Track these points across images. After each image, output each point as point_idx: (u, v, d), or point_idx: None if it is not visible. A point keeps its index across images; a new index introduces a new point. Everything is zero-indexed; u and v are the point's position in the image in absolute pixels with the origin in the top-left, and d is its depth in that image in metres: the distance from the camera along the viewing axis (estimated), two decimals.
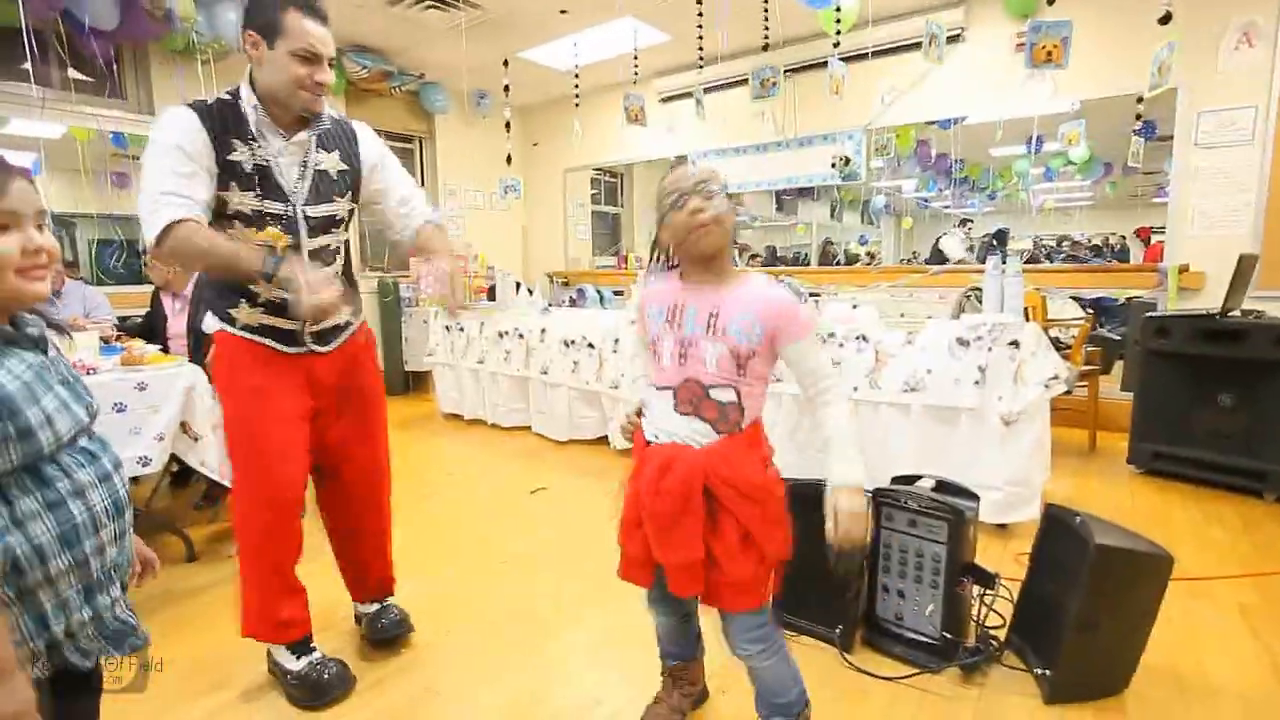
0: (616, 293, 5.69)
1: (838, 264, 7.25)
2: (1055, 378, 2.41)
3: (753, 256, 7.75)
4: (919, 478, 1.83)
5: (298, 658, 1.62)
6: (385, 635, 1.81)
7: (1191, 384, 2.95)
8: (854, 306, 3.11)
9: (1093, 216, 9.62)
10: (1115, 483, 3.04)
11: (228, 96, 1.49)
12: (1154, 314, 3.22)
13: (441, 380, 4.72)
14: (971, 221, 8.51)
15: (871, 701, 1.57)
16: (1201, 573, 2.12)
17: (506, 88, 4.85)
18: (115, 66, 4.09)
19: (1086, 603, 1.50)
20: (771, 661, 1.28)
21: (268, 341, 1.56)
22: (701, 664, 1.54)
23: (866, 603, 1.79)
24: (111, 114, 4.09)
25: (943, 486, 1.77)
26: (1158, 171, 6.24)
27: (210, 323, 1.59)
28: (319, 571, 1.77)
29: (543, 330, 3.96)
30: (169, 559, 2.38)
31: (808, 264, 7.33)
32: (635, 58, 4.57)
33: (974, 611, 1.74)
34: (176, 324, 3.21)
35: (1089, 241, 8.79)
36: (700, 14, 3.78)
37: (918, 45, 3.89)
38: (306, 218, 1.55)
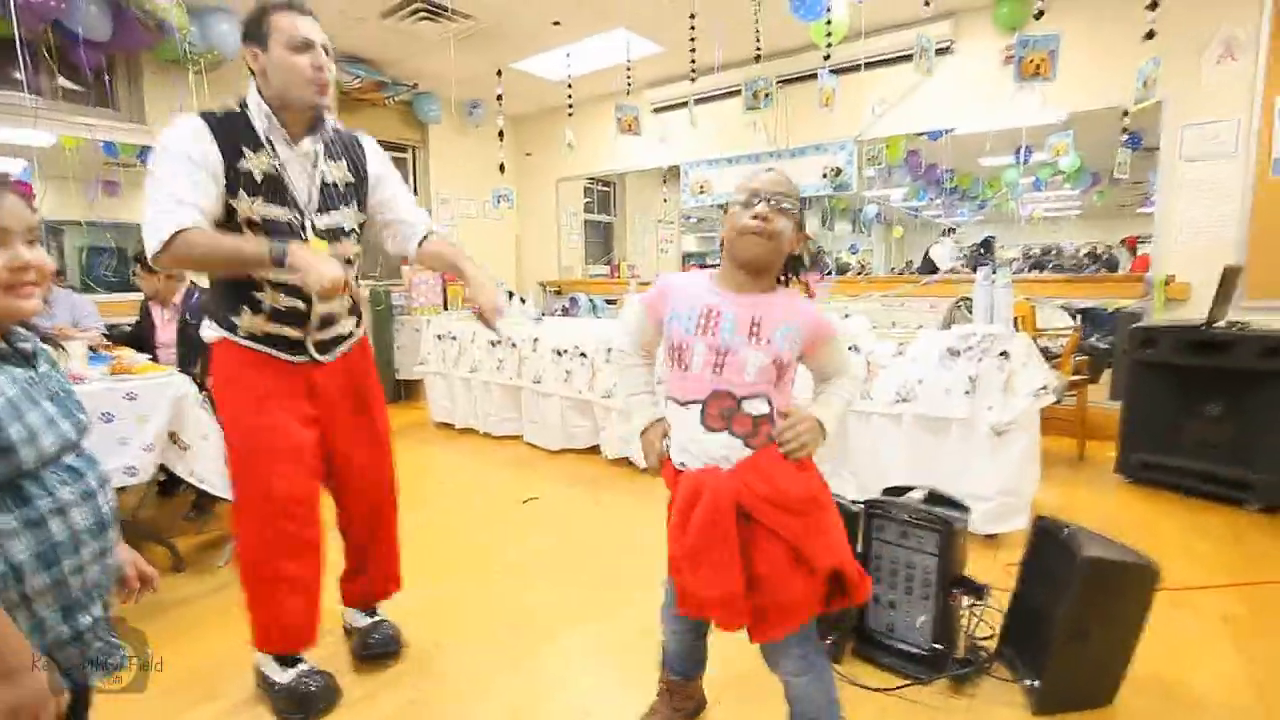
0: (609, 301, 5.71)
1: (829, 274, 7.29)
2: (1044, 388, 2.43)
3: None
4: (910, 489, 1.83)
5: (284, 669, 1.61)
6: (373, 653, 1.80)
7: (1179, 394, 2.97)
8: (845, 316, 3.13)
9: (1081, 226, 9.72)
10: (1104, 492, 3.06)
11: (236, 107, 1.50)
12: (1140, 324, 3.25)
13: (433, 389, 4.71)
14: (954, 230, 8.58)
15: (862, 713, 1.57)
16: (1189, 583, 2.14)
17: (500, 98, 4.87)
18: (108, 77, 4.08)
19: (1075, 614, 1.51)
20: (811, 681, 1.23)
21: (270, 350, 1.56)
22: (701, 681, 1.53)
23: (857, 614, 1.79)
24: (103, 123, 4.08)
25: (933, 498, 1.78)
26: (1144, 182, 6.33)
27: (209, 332, 1.58)
28: None
29: (535, 339, 3.96)
30: (155, 569, 2.36)
31: None
32: (628, 69, 4.60)
33: (964, 622, 1.75)
34: (165, 333, 3.19)
35: (1078, 251, 8.87)
36: (693, 26, 3.81)
37: (908, 57, 3.94)
38: (315, 227, 1.55)
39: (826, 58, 3.62)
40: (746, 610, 1.12)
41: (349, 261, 1.64)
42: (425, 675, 1.77)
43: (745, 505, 1.12)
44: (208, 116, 1.46)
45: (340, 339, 1.66)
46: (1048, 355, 3.18)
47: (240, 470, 1.56)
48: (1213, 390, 2.88)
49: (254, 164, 1.47)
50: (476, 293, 1.56)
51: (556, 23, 4.40)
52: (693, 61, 3.86)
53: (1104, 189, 7.81)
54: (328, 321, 1.61)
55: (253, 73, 1.49)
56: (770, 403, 1.16)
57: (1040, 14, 3.22)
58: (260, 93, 1.49)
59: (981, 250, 6.57)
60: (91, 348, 2.71)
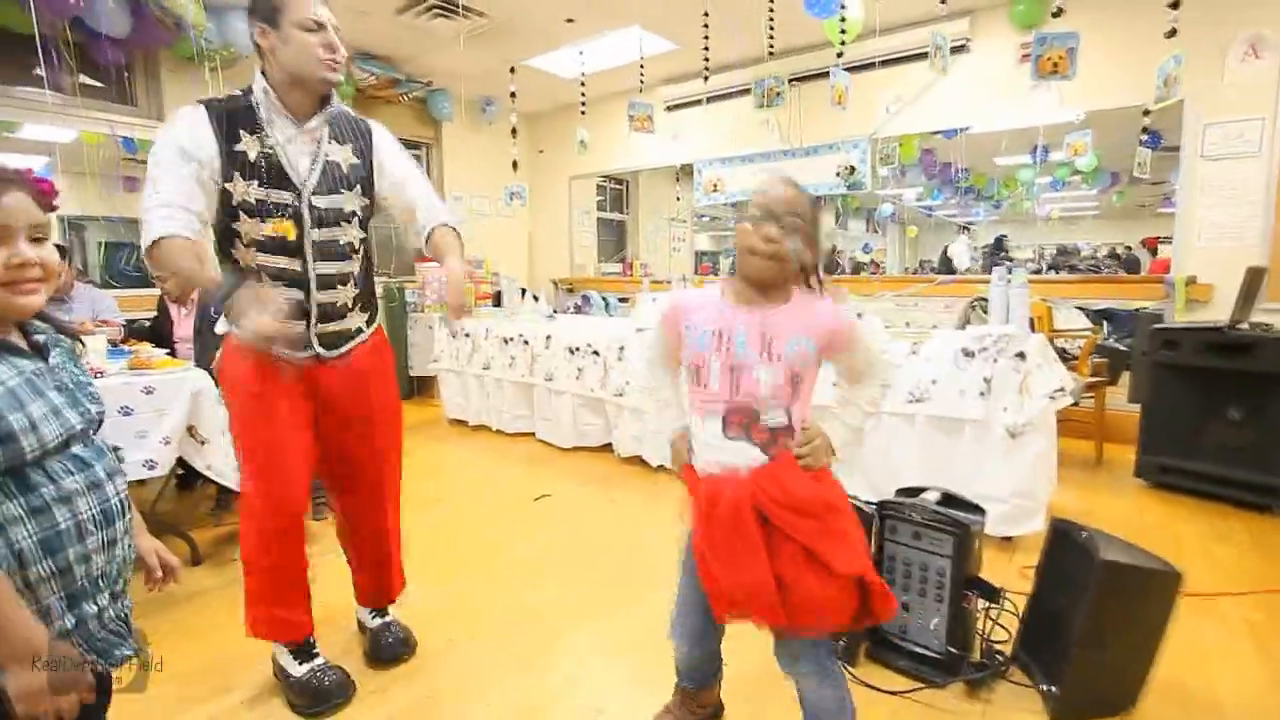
0: (622, 299, 5.71)
1: (842, 273, 7.25)
2: (1061, 390, 2.40)
3: None
4: (924, 490, 1.82)
5: (300, 663, 1.62)
6: (386, 655, 1.80)
7: (1200, 397, 2.93)
8: (859, 315, 3.11)
9: (1099, 226, 9.61)
10: (1122, 496, 3.02)
11: (239, 92, 1.52)
12: (1161, 326, 3.20)
13: (446, 386, 4.73)
14: (968, 229, 8.52)
15: (875, 715, 1.55)
16: (1210, 589, 2.10)
17: (513, 95, 4.87)
18: (127, 73, 4.13)
19: (1093, 619, 1.48)
20: (825, 684, 1.23)
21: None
22: (718, 689, 1.52)
23: None
24: (123, 119, 4.13)
25: (948, 499, 1.77)
26: (1164, 181, 6.24)
27: (221, 325, 1.59)
28: (324, 575, 1.77)
29: (548, 337, 3.97)
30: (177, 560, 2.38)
31: None
32: (641, 66, 4.59)
33: (979, 626, 1.73)
34: (183, 327, 3.23)
35: (1097, 252, 8.77)
36: (706, 23, 3.79)
37: (923, 55, 3.90)
38: (314, 208, 1.54)
39: (840, 55, 3.59)
40: (777, 604, 1.12)
41: (354, 249, 1.62)
42: (438, 671, 1.78)
43: (760, 507, 1.14)
44: (209, 103, 1.48)
45: (347, 335, 1.65)
46: (1065, 356, 3.14)
47: (241, 463, 1.59)
48: (1234, 393, 2.83)
49: (250, 146, 1.47)
50: (448, 288, 1.51)
51: (570, 20, 4.39)
52: (706, 59, 3.84)
53: (1123, 189, 7.71)
54: (330, 315, 1.60)
55: (259, 50, 1.49)
56: (790, 414, 1.17)
57: (1059, 12, 3.17)
58: (265, 74, 1.50)
59: (994, 249, 6.52)
60: (110, 341, 2.74)
